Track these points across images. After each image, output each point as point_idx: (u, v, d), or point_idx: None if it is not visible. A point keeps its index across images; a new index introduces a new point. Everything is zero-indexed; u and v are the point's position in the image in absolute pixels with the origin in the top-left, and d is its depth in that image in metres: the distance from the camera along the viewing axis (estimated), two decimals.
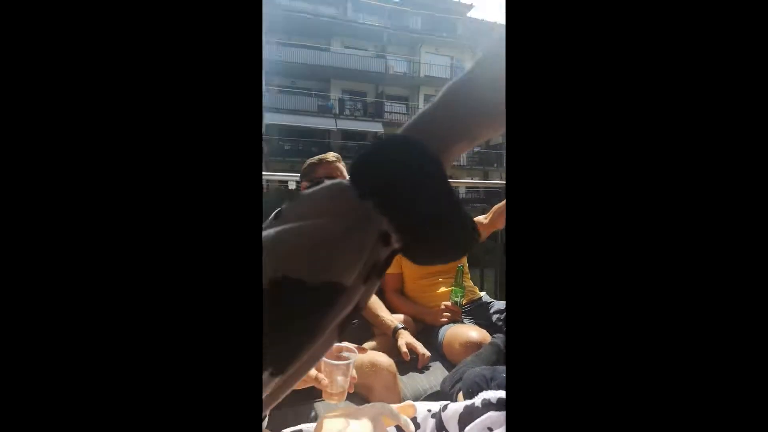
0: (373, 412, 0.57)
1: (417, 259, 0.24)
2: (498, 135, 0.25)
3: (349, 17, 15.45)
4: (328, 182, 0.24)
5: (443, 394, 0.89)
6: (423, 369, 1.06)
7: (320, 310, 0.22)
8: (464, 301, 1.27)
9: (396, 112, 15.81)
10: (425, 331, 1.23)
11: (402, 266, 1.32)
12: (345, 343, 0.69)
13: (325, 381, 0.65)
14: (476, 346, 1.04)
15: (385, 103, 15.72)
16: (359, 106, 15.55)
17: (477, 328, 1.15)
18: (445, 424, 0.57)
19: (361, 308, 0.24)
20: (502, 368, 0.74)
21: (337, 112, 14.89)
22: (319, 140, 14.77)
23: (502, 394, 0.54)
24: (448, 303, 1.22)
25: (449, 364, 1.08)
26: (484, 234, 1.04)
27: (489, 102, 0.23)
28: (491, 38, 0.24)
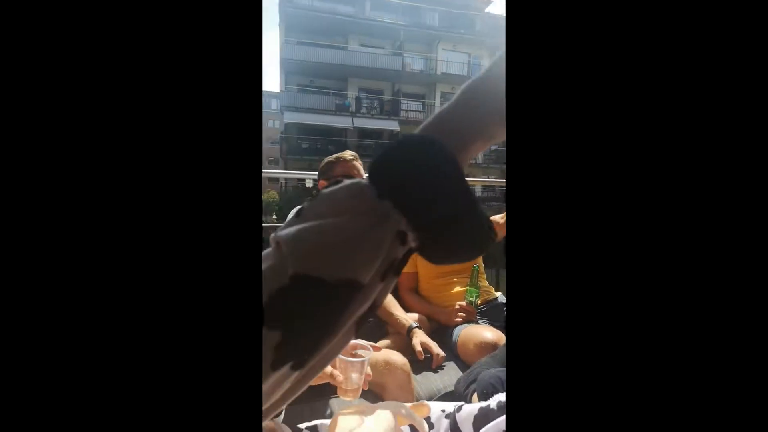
0: (387, 411, 0.57)
1: (433, 258, 0.24)
2: None
3: (367, 15, 15.46)
4: (347, 181, 0.24)
5: (457, 394, 0.88)
6: (437, 369, 1.06)
7: (338, 306, 0.22)
8: (479, 301, 1.26)
9: (412, 110, 15.74)
10: (439, 330, 1.22)
11: (417, 265, 1.32)
12: (360, 341, 0.70)
13: (340, 378, 0.65)
14: (491, 347, 1.03)
15: (402, 101, 15.66)
16: (376, 104, 15.55)
17: (492, 328, 1.13)
18: (459, 425, 0.57)
19: (377, 306, 0.25)
20: None
21: (354, 110, 14.94)
22: (336, 138, 14.89)
23: None
24: (463, 303, 1.21)
25: (463, 365, 1.07)
26: (501, 233, 1.02)
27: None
28: None
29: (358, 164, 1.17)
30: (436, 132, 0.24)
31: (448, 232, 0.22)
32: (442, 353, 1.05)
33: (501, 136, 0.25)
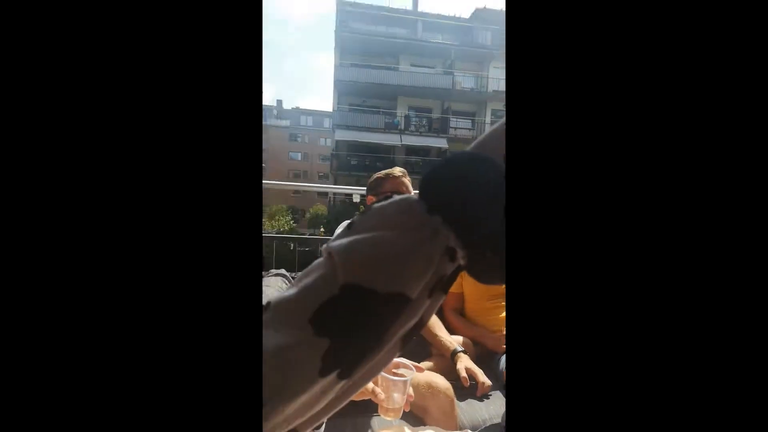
0: None
1: (481, 276, 0.23)
2: None
3: (419, 36, 15.85)
4: (397, 197, 0.24)
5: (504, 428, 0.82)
6: (482, 397, 1.00)
7: (387, 318, 0.22)
8: None
9: (461, 128, 15.64)
10: (485, 356, 1.16)
11: (463, 286, 1.28)
12: (403, 360, 0.68)
13: (382, 396, 0.64)
14: None
15: (451, 119, 15.64)
16: (424, 122, 15.70)
17: None
18: None
19: (424, 323, 0.24)
20: None
21: (403, 128, 15.20)
22: (384, 155, 15.20)
23: None
24: None
25: None
26: None
27: None
28: None
29: (407, 181, 1.18)
30: (488, 149, 0.24)
31: (498, 250, 0.22)
32: (488, 382, 1.00)
33: None
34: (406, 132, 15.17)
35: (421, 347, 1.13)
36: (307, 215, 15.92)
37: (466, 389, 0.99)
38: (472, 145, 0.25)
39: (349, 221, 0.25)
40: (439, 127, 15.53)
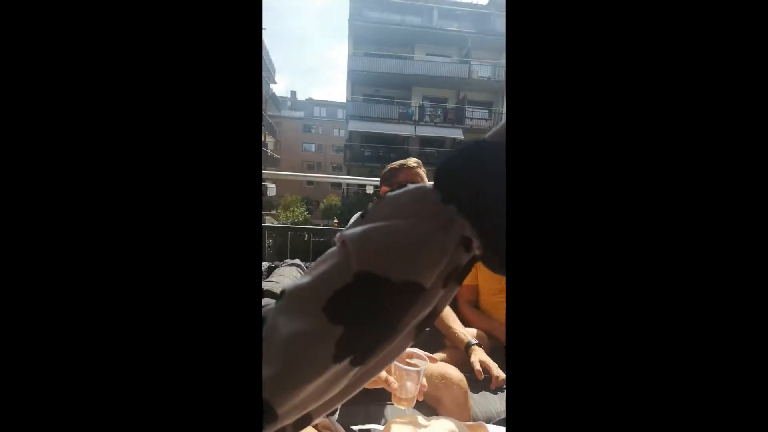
0: (442, 427, 0.55)
1: (497, 267, 0.23)
2: None
3: (435, 24, 15.55)
4: (411, 186, 0.24)
5: None
6: (496, 390, 1.00)
7: (400, 306, 0.22)
8: None
9: (478, 118, 15.35)
10: (499, 349, 1.15)
11: (478, 278, 1.27)
12: (416, 350, 0.68)
13: (395, 384, 0.65)
14: None
15: (467, 109, 15.37)
16: (439, 112, 15.48)
17: None
18: None
19: (438, 312, 0.24)
20: None
21: (417, 118, 15.05)
22: (398, 146, 15.12)
23: None
24: None
25: None
26: None
27: None
28: None
29: (422, 171, 1.17)
30: (504, 138, 0.23)
31: None
32: (502, 375, 0.99)
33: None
34: (421, 123, 15.01)
35: (434, 338, 1.13)
36: (321, 206, 16.06)
37: (480, 382, 0.98)
38: (488, 134, 0.24)
39: (363, 211, 0.25)
40: (455, 118, 15.29)
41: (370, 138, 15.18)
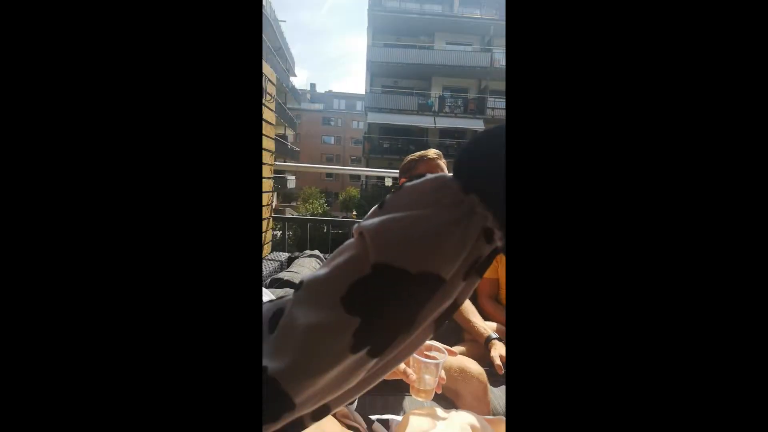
0: (461, 420, 0.55)
1: None
2: None
3: (455, 12, 15.17)
4: (430, 175, 0.23)
5: None
6: None
7: (419, 299, 0.22)
8: None
9: (500, 108, 14.96)
10: None
11: (499, 272, 1.24)
12: (435, 343, 0.68)
13: (414, 376, 0.65)
14: None
15: (488, 99, 15.00)
16: (459, 102, 15.19)
17: None
18: None
19: (458, 305, 0.24)
20: None
21: (437, 109, 14.83)
22: (417, 138, 14.98)
23: None
24: None
25: None
26: None
27: None
28: None
29: (442, 163, 1.15)
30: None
31: None
32: None
33: None
34: (441, 113, 14.79)
35: (453, 332, 1.12)
36: (340, 198, 16.19)
37: (500, 376, 0.97)
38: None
39: (381, 201, 0.25)
40: (476, 108, 14.97)
41: (389, 130, 15.10)
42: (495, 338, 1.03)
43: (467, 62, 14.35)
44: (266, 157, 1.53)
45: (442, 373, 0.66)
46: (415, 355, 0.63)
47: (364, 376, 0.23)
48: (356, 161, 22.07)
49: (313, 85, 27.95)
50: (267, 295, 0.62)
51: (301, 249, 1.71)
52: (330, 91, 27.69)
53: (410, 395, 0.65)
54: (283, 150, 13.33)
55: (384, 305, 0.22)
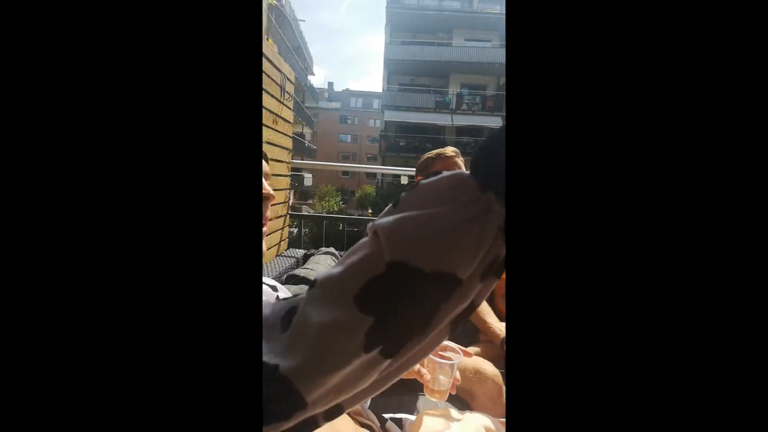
0: (475, 422, 0.54)
1: None
2: None
3: (475, 8, 14.94)
4: (447, 173, 0.23)
5: None
6: None
7: (434, 299, 0.21)
8: None
9: None
10: None
11: None
12: (450, 343, 0.67)
13: (428, 377, 0.64)
14: None
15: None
16: (478, 100, 14.96)
17: None
18: None
19: (475, 306, 0.23)
20: None
21: (454, 107, 14.66)
22: (434, 136, 14.86)
23: None
24: None
25: None
26: None
27: None
28: None
29: (460, 161, 1.13)
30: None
31: None
32: None
33: None
34: (458, 111, 14.61)
35: (468, 333, 1.11)
36: (356, 196, 16.27)
37: None
38: None
39: (397, 198, 0.24)
40: (494, 105, 14.71)
41: (405, 128, 15.04)
42: None
43: (486, 59, 14.11)
44: (284, 155, 1.55)
45: (457, 374, 0.65)
46: (430, 355, 0.62)
47: (378, 377, 0.23)
48: (372, 159, 22.10)
49: (330, 84, 28.13)
50: (283, 291, 0.63)
51: (317, 246, 1.73)
52: (347, 90, 27.80)
53: (424, 395, 0.65)
54: (300, 148, 13.47)
55: (398, 304, 0.21)
